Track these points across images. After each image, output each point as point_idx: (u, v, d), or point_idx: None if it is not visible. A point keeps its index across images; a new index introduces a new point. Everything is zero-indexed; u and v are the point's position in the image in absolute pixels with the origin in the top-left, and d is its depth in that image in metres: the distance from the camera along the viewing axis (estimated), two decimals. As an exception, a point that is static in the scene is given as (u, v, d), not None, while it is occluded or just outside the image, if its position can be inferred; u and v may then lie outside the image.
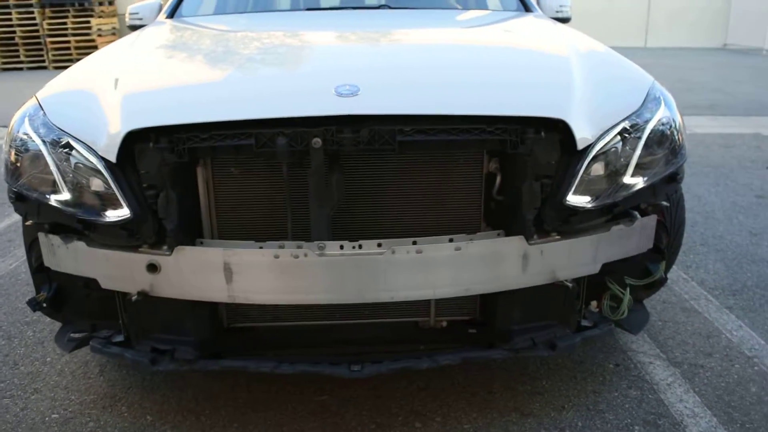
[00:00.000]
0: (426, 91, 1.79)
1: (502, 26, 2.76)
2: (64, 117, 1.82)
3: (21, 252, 3.42)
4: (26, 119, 1.86)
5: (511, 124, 1.70)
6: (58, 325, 2.11)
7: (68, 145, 1.74)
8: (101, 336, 1.96)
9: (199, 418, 2.05)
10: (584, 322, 1.97)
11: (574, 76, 1.91)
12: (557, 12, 3.43)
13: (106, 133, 1.70)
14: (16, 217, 3.86)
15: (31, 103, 1.93)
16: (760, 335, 2.49)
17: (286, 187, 1.79)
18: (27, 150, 1.80)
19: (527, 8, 3.28)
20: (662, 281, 2.07)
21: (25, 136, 1.81)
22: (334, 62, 2.01)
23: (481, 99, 1.76)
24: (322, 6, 3.52)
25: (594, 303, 2.05)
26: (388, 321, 2.00)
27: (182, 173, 1.75)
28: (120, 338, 1.92)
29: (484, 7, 3.54)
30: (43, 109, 1.87)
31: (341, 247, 1.69)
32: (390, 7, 3.24)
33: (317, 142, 1.63)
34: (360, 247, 1.70)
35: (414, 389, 2.17)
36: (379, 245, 1.70)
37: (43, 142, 1.77)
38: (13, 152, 1.84)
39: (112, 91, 1.84)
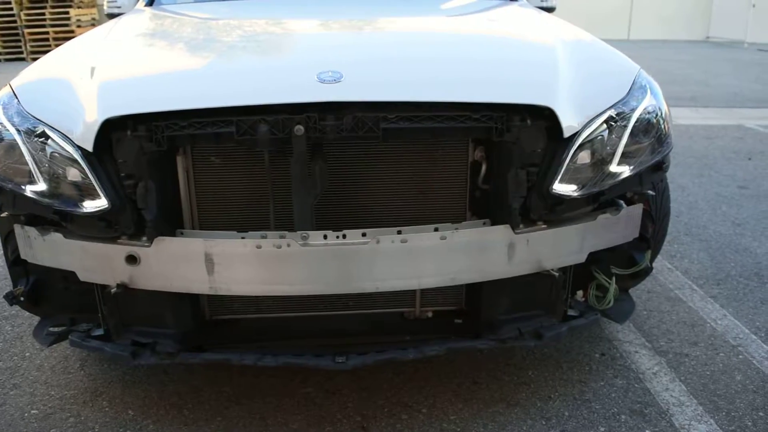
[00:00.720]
0: (410, 78, 1.76)
1: (488, 14, 2.74)
2: (39, 105, 1.77)
3: (-1, 245, 3.36)
4: (0, 108, 1.81)
5: (496, 111, 1.68)
6: (36, 319, 2.07)
7: (44, 134, 1.69)
8: (80, 330, 1.92)
9: (182, 411, 2.01)
10: (570, 312, 1.96)
11: (560, 64, 1.89)
12: (542, 1, 3.42)
13: (83, 122, 1.66)
14: (-6, 211, 3.79)
15: (4, 92, 1.88)
16: (744, 324, 2.50)
17: (268, 176, 1.76)
18: (1, 139, 1.75)
19: (512, -3, 3.25)
20: (648, 270, 2.07)
21: (-1, 126, 1.76)
22: (316, 49, 1.97)
23: (467, 86, 1.74)
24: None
25: (580, 292, 2.04)
26: (373, 312, 1.98)
27: (161, 162, 1.71)
28: (100, 332, 1.88)
29: (469, -5, 3.50)
30: (17, 98, 1.81)
31: (325, 236, 1.66)
32: (373, -5, 3.20)
33: (299, 129, 1.60)
34: (344, 236, 1.67)
35: (400, 381, 2.15)
36: (364, 235, 1.67)
37: (18, 131, 1.72)
38: (-14, 142, 1.79)
39: (89, 78, 1.79)
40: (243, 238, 1.68)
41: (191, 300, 1.85)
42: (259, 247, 1.64)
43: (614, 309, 2.03)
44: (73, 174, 1.67)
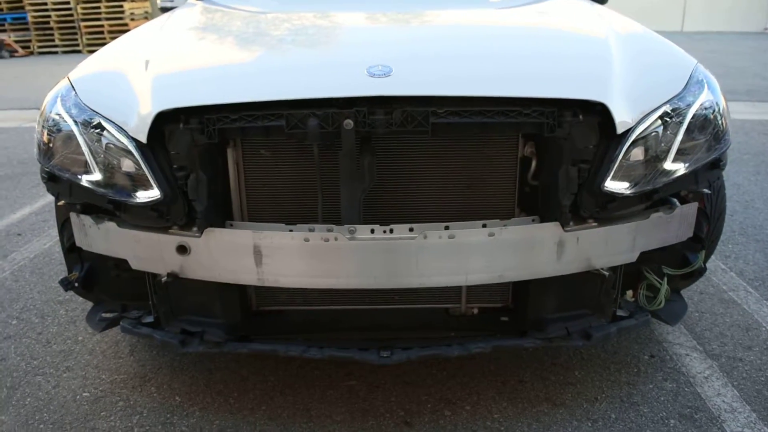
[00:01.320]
0: (460, 73, 1.74)
1: (538, 7, 2.69)
2: (95, 97, 1.81)
3: (54, 232, 3.47)
4: (58, 99, 1.86)
5: (547, 106, 1.65)
6: (89, 304, 2.13)
7: (99, 126, 1.73)
8: (131, 316, 1.97)
9: (228, 400, 2.05)
10: (620, 312, 1.92)
11: (613, 57, 1.84)
12: (594, -7, 3.33)
13: (137, 114, 1.69)
14: (51, 198, 3.91)
15: (63, 84, 1.93)
16: (802, 328, 2.41)
17: (316, 169, 1.76)
18: (59, 130, 1.80)
19: (563, -11, 3.19)
20: (701, 271, 2.01)
21: (57, 117, 1.81)
22: (365, 43, 1.97)
23: (517, 81, 1.71)
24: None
25: (630, 292, 2.00)
26: (418, 307, 1.97)
27: (212, 154, 1.74)
28: (150, 319, 1.93)
29: (519, -13, 3.45)
30: (75, 90, 1.86)
31: (372, 231, 1.66)
32: (422, -12, 3.18)
33: (349, 123, 1.60)
34: (391, 231, 1.67)
35: (443, 377, 2.14)
36: (411, 230, 1.66)
37: (75, 122, 1.77)
38: (45, 132, 1.84)
39: (143, 71, 1.83)
40: (291, 230, 1.69)
41: (239, 290, 1.87)
42: (306, 240, 1.65)
43: (665, 310, 1.98)
44: (127, 165, 1.71)
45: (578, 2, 2.73)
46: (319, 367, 2.19)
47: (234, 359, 2.25)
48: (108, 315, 2.02)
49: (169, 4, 3.39)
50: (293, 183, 1.83)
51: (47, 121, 1.84)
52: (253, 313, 2.00)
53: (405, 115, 1.62)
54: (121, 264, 1.87)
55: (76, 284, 1.98)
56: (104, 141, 1.73)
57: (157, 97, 1.69)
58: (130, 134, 1.69)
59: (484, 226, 1.70)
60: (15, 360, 2.30)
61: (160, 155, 1.70)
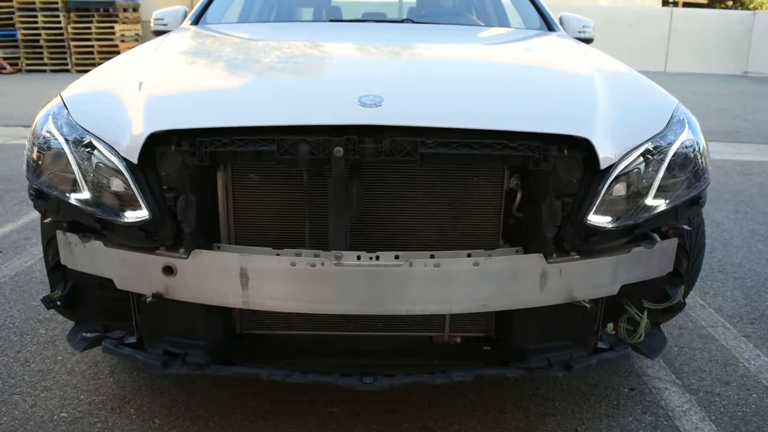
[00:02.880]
0: (449, 105, 1.78)
1: (526, 44, 2.76)
2: (87, 116, 1.82)
3: (37, 250, 3.44)
4: (50, 117, 1.87)
5: (534, 140, 1.69)
6: (70, 324, 2.11)
7: (90, 145, 1.74)
8: (114, 336, 1.95)
9: (208, 424, 2.03)
10: (601, 344, 1.94)
11: (598, 95, 1.90)
12: (580, 32, 3.42)
13: (129, 134, 1.70)
14: (34, 215, 3.88)
15: (55, 102, 1.94)
16: (778, 366, 2.45)
17: (305, 194, 1.78)
18: (49, 148, 1.81)
19: (550, 27, 3.28)
20: (681, 306, 2.04)
21: (48, 134, 1.82)
22: (357, 72, 2.01)
23: (505, 114, 1.75)
24: (345, 18, 3.54)
25: (611, 325, 2.02)
26: (401, 334, 1.98)
27: (202, 177, 1.75)
28: (132, 340, 1.92)
29: (507, 24, 3.54)
30: (67, 108, 1.87)
31: (358, 257, 1.68)
32: (413, 22, 3.25)
33: (339, 150, 1.62)
34: (377, 258, 1.68)
35: (425, 405, 2.14)
36: (397, 257, 1.68)
37: (66, 140, 1.78)
38: (35, 150, 1.85)
39: (136, 92, 1.85)
40: (278, 254, 1.70)
41: (223, 313, 1.87)
42: (293, 264, 1.66)
43: (645, 343, 2.01)
44: (116, 184, 1.72)
45: (565, 41, 2.81)
46: (300, 392, 2.18)
47: (214, 383, 2.24)
48: (90, 334, 2.00)
49: (162, 28, 3.43)
50: (281, 207, 1.85)
51: (38, 138, 1.85)
52: (236, 336, 1.99)
53: (394, 144, 1.65)
54: (105, 283, 1.86)
55: (59, 303, 1.97)
56: (94, 160, 1.74)
57: (150, 119, 1.71)
58: (121, 154, 1.70)
59: (469, 255, 1.72)
60: (-8, 378, 2.27)
61: (150, 176, 1.71)
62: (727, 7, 25.40)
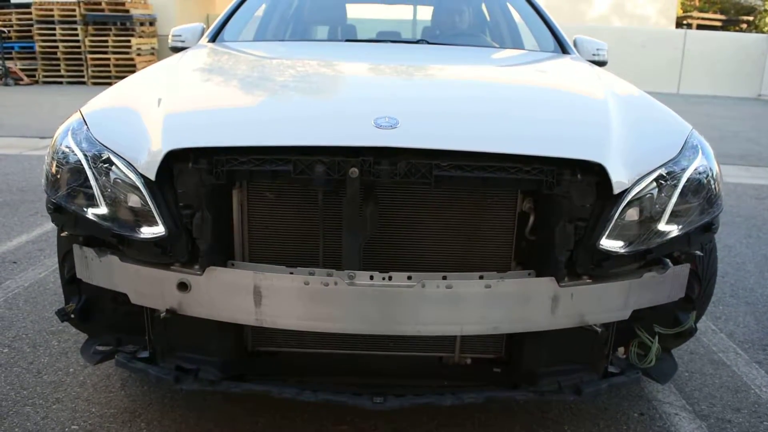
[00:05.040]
0: (465, 128, 1.80)
1: (540, 67, 2.78)
2: (106, 132, 1.86)
3: (50, 261, 3.48)
4: (69, 133, 1.90)
5: (547, 164, 1.70)
6: (83, 336, 2.13)
7: (109, 161, 1.77)
8: (127, 351, 1.97)
9: (217, 440, 2.04)
10: (611, 369, 1.94)
11: (612, 120, 1.91)
12: (594, 55, 3.44)
13: (147, 151, 1.73)
14: (48, 227, 3.93)
15: (75, 117, 1.98)
16: (790, 393, 2.43)
17: (319, 214, 1.80)
18: (68, 163, 1.84)
19: (564, 50, 3.30)
20: (692, 331, 2.04)
21: (67, 149, 1.85)
22: (373, 94, 2.03)
23: (520, 138, 1.77)
24: (360, 38, 3.57)
25: (622, 349, 2.02)
26: (412, 354, 1.98)
27: (218, 195, 1.77)
28: (145, 354, 1.93)
29: (521, 46, 3.57)
30: (86, 124, 1.91)
31: (371, 277, 1.69)
32: (428, 43, 3.29)
33: (354, 171, 1.64)
34: (390, 278, 1.69)
35: (434, 426, 2.14)
36: (409, 278, 1.69)
37: (85, 156, 1.81)
38: (54, 164, 1.88)
39: (155, 110, 1.88)
40: (291, 273, 1.72)
41: (236, 330, 1.88)
42: (306, 283, 1.68)
43: (656, 368, 2.00)
44: (133, 200, 1.74)
45: (580, 64, 2.83)
46: (309, 410, 2.19)
47: (225, 399, 2.24)
48: (103, 348, 2.02)
49: (180, 44, 3.48)
50: (296, 226, 1.87)
51: (57, 153, 1.88)
52: (248, 353, 2.00)
53: (409, 166, 1.66)
54: (119, 297, 1.88)
55: (73, 315, 1.99)
56: (112, 176, 1.76)
57: (168, 136, 1.73)
58: (139, 170, 1.72)
59: (481, 277, 1.73)
60: (4, 389, 2.29)
61: (167, 192, 1.73)
62: (741, 30, 25.37)
